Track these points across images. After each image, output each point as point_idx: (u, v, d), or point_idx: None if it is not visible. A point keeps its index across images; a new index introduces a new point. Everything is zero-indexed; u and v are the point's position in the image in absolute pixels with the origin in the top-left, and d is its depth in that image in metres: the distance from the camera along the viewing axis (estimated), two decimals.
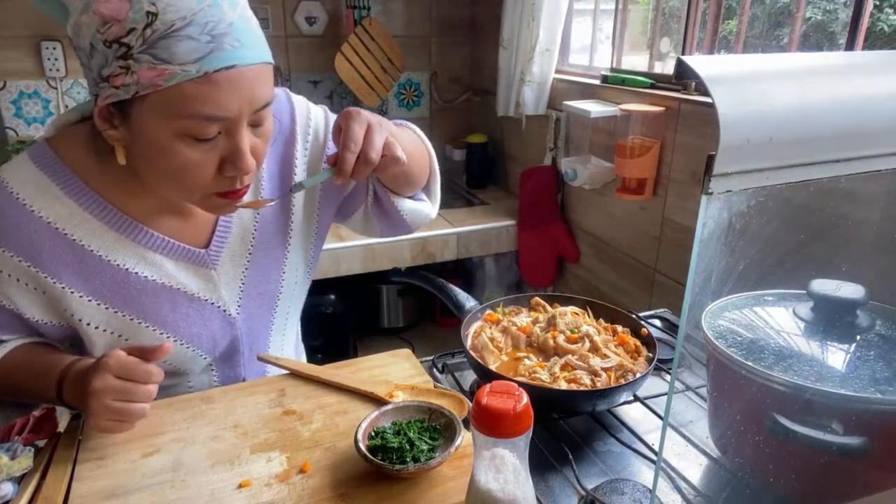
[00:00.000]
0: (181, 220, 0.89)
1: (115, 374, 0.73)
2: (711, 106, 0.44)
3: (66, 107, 2.39)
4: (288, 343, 1.11)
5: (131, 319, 0.87)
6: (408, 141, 0.94)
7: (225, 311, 0.94)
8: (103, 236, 0.84)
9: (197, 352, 0.93)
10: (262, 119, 0.77)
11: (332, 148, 0.98)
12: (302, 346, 1.22)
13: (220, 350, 0.96)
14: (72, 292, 0.83)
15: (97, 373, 0.73)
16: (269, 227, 0.96)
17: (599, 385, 0.86)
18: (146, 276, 0.87)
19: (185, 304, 0.90)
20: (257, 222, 0.95)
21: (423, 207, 1.05)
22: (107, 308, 0.86)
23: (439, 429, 0.77)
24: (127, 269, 0.85)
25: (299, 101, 0.98)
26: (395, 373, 0.94)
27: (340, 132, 0.81)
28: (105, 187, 0.83)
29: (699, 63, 0.47)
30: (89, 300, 0.85)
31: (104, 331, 0.87)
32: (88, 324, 0.86)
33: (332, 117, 1.01)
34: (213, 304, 0.93)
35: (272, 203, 0.91)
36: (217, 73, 0.68)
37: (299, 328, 1.21)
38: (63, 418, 0.84)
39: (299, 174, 0.97)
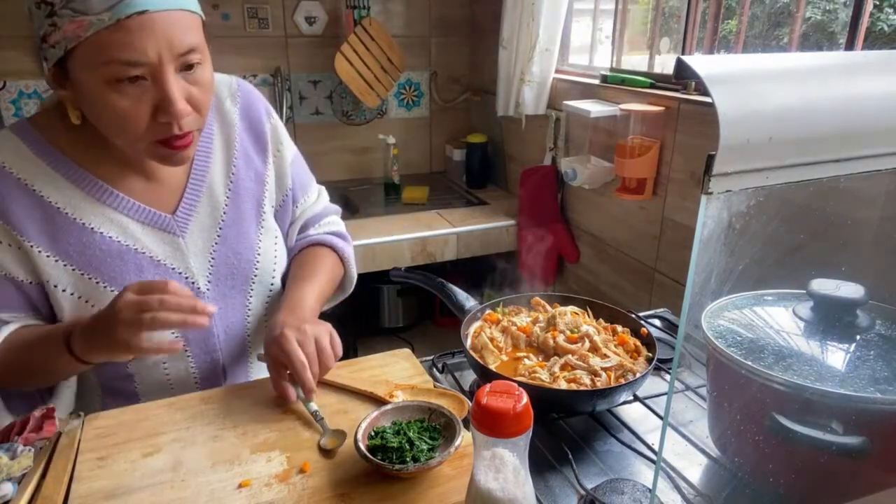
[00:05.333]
0: (148, 184, 0.92)
1: (135, 292, 0.77)
2: (711, 106, 0.44)
3: None
4: None
5: (97, 283, 0.88)
6: (326, 283, 1.05)
7: (193, 283, 0.95)
8: (71, 195, 0.87)
9: None
10: (191, 65, 0.80)
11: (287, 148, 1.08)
12: None
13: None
14: (38, 251, 0.85)
15: (118, 297, 0.77)
16: (241, 207, 0.99)
17: (599, 385, 0.86)
18: (111, 237, 0.89)
19: (151, 269, 0.91)
20: (228, 198, 0.98)
21: None
22: (73, 269, 0.87)
23: (439, 429, 0.77)
24: (92, 228, 0.88)
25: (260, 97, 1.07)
26: (395, 373, 0.95)
27: (278, 359, 0.86)
28: (74, 152, 0.88)
29: (699, 63, 0.47)
30: (56, 260, 0.86)
31: (71, 294, 0.88)
32: (55, 286, 0.87)
33: (280, 126, 1.07)
34: (179, 273, 0.94)
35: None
36: (128, 20, 0.72)
37: None
38: (63, 418, 0.84)
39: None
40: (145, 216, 0.91)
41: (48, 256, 0.86)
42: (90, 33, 0.72)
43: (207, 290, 0.96)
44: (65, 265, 0.87)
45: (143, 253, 0.91)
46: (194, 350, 0.98)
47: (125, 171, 0.90)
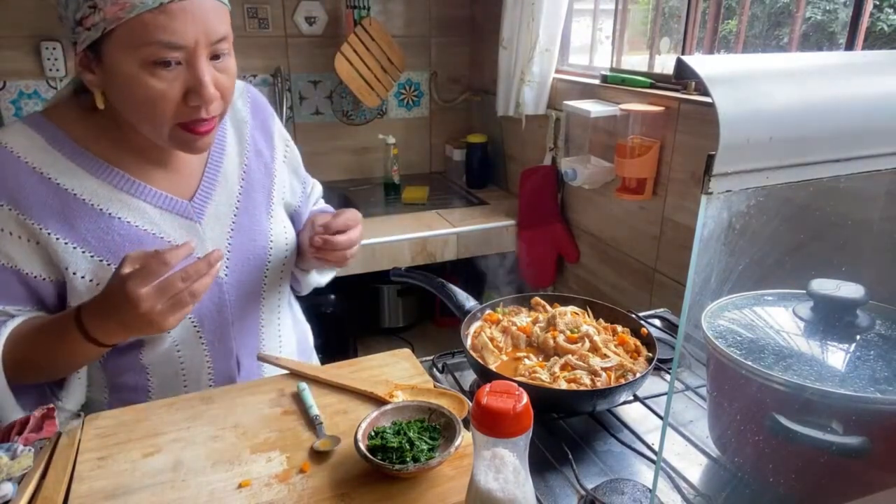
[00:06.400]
0: (165, 171, 0.94)
1: (141, 274, 0.76)
2: (711, 106, 0.44)
3: None
4: (286, 333, 1.12)
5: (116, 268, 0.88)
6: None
7: None
8: (87, 183, 0.88)
9: None
10: (222, 53, 0.84)
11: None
12: (316, 357, 1.23)
13: (206, 312, 0.96)
14: (57, 239, 0.86)
15: (125, 289, 0.75)
16: (254, 196, 1.02)
17: (599, 385, 0.86)
18: (129, 222, 0.90)
19: None
20: (242, 188, 1.01)
21: (314, 281, 1.20)
22: (91, 256, 0.88)
23: (439, 429, 0.77)
24: (110, 213, 0.89)
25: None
26: (395, 373, 0.95)
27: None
28: (90, 142, 0.89)
29: (699, 63, 0.47)
30: (74, 247, 0.87)
31: (90, 281, 0.88)
32: (75, 273, 0.88)
33: (283, 128, 1.13)
34: (199, 258, 0.93)
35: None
36: (172, 4, 0.76)
37: (306, 326, 1.22)
38: (63, 419, 0.84)
39: (278, 148, 1.09)
40: (163, 202, 0.93)
41: (66, 244, 0.86)
42: (132, 15, 0.75)
43: (225, 276, 0.97)
44: (83, 252, 0.87)
45: (162, 238, 0.92)
46: (209, 337, 0.98)
47: (142, 160, 0.92)
